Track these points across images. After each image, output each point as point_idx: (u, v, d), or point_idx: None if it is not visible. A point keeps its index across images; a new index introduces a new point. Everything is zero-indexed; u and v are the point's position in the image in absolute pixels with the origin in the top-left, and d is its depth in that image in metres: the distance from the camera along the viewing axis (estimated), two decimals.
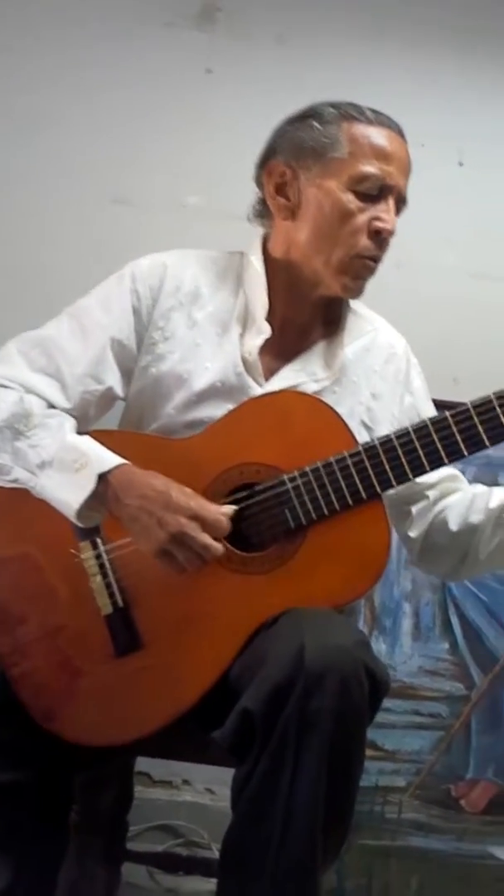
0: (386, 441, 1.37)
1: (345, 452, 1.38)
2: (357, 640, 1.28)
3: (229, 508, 1.37)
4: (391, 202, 1.46)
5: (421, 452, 1.37)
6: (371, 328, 1.60)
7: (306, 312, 1.54)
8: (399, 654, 2.16)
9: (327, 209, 1.46)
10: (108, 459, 1.37)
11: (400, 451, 1.37)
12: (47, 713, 1.36)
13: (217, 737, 1.28)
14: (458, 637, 2.18)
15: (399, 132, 1.48)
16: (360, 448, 1.38)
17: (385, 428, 1.52)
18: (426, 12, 2.28)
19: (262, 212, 1.56)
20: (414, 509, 1.59)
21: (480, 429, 1.36)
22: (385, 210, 1.45)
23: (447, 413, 1.38)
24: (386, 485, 1.37)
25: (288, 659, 1.22)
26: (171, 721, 1.35)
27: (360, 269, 1.48)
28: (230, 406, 1.46)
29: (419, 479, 1.44)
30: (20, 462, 1.40)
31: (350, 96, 1.49)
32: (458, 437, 1.37)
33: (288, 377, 1.51)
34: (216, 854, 1.80)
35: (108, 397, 1.52)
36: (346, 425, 1.41)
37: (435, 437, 1.37)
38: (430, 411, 1.61)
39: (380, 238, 1.46)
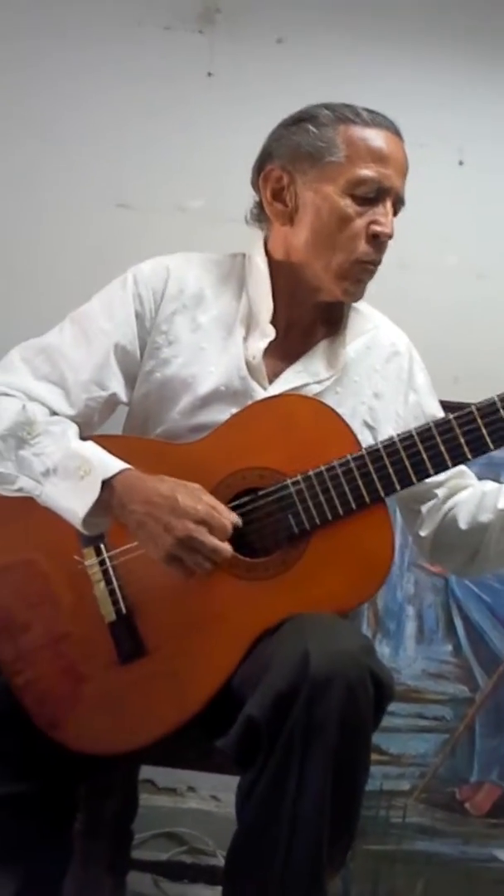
0: (389, 444, 1.37)
1: (348, 456, 1.37)
2: (362, 646, 1.28)
3: (236, 518, 1.36)
4: (389, 205, 1.46)
5: (424, 456, 1.36)
6: (372, 326, 1.59)
7: (308, 314, 1.53)
8: (403, 657, 2.15)
9: (325, 214, 1.45)
10: (112, 465, 1.36)
11: (403, 455, 1.36)
12: (52, 721, 1.35)
13: (221, 745, 1.28)
14: (462, 639, 2.17)
15: (396, 132, 1.47)
16: (364, 452, 1.37)
17: (388, 427, 1.52)
18: (426, 12, 2.27)
19: (260, 216, 1.55)
20: (424, 508, 1.59)
21: (484, 432, 1.36)
22: (383, 213, 1.45)
23: (451, 416, 1.38)
24: (389, 489, 1.37)
25: (292, 665, 1.21)
26: (175, 728, 1.35)
27: (359, 273, 1.47)
28: (234, 410, 1.45)
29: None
30: (24, 471, 1.39)
31: (350, 97, 1.48)
32: (462, 441, 1.36)
33: (291, 379, 1.50)
34: (221, 861, 1.81)
35: (111, 403, 1.51)
36: (349, 428, 1.41)
37: (439, 440, 1.36)
38: (435, 407, 1.61)
39: (378, 242, 1.46)
